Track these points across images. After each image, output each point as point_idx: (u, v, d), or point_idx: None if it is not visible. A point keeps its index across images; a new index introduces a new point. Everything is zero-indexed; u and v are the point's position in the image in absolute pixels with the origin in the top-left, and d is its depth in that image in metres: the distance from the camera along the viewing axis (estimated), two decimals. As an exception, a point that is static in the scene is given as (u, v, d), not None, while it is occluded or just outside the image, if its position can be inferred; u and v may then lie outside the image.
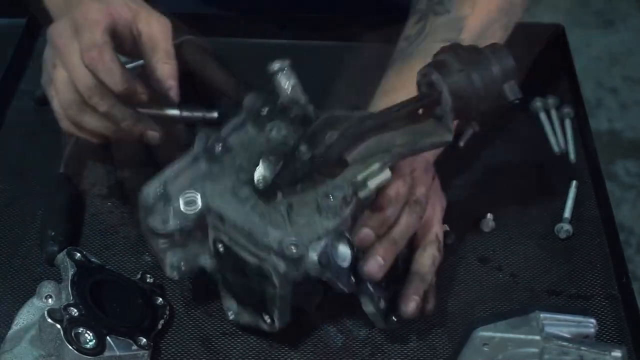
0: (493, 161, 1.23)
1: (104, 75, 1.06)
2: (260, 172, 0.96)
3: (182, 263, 1.00)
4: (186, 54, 1.25)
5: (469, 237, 1.14)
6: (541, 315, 0.98)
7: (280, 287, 0.95)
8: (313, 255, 0.93)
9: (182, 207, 0.98)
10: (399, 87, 1.11)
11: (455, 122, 0.99)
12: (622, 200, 2.56)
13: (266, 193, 0.96)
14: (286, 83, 1.01)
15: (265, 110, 1.01)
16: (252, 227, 0.95)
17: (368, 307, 1.00)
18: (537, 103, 1.30)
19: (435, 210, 1.07)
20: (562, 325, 0.98)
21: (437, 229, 1.06)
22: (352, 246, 0.97)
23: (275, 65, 1.01)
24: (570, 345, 0.95)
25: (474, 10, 1.14)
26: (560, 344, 0.95)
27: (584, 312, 1.01)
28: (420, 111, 0.99)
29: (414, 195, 1.02)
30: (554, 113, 1.30)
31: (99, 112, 1.09)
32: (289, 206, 0.96)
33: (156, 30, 1.13)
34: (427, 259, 1.04)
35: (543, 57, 1.38)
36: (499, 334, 0.97)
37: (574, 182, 1.20)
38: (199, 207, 0.97)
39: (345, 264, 0.96)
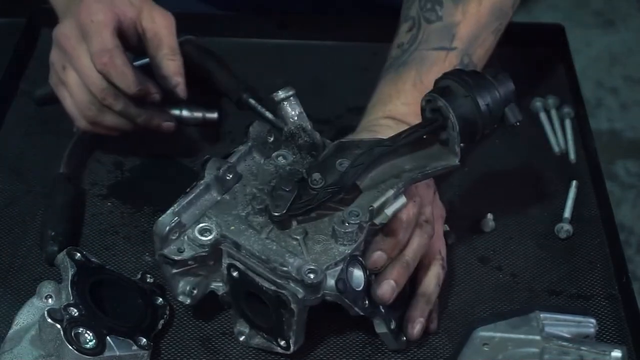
0: (493, 161, 1.23)
1: (116, 79, 1.09)
2: (275, 203, 0.98)
3: (194, 289, 1.01)
4: (186, 53, 1.25)
5: (469, 237, 1.14)
6: (541, 315, 0.97)
7: (297, 313, 0.96)
8: (331, 281, 0.95)
9: (197, 235, 0.98)
10: (394, 96, 1.12)
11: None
12: (622, 200, 2.56)
13: (281, 221, 0.98)
14: (292, 112, 1.03)
15: (271, 139, 1.03)
16: (270, 255, 0.96)
17: (381, 329, 1.01)
18: (537, 103, 1.30)
19: (438, 225, 1.08)
20: (562, 325, 0.98)
21: (439, 244, 1.07)
22: (365, 270, 0.98)
23: (280, 94, 1.03)
24: (571, 345, 0.95)
25: (465, 16, 1.14)
26: (560, 344, 0.95)
27: (584, 312, 1.01)
28: (425, 136, 1.01)
29: (423, 215, 1.03)
30: (554, 113, 1.30)
31: (114, 111, 1.12)
32: (305, 233, 0.97)
33: (160, 26, 1.13)
34: (432, 278, 1.04)
35: (543, 57, 1.38)
36: (499, 334, 0.97)
37: (574, 182, 1.20)
38: (214, 236, 0.98)
39: (360, 288, 0.98)
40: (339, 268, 0.96)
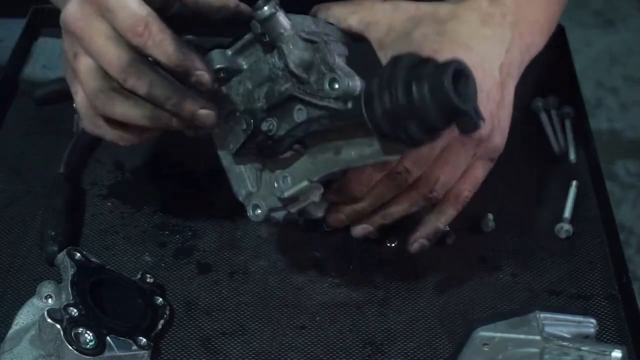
0: (493, 161, 1.23)
1: (154, 49, 0.94)
2: (228, 139, 0.99)
3: None
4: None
5: (469, 237, 1.14)
6: (541, 315, 0.97)
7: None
8: (278, 217, 1.00)
9: None
10: None
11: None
12: (622, 200, 2.57)
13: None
14: (279, 30, 0.94)
15: (267, 37, 0.96)
16: (230, 175, 1.01)
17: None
18: (537, 103, 1.30)
19: (456, 157, 1.01)
20: (562, 325, 0.98)
21: (449, 175, 1.02)
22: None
23: (265, 11, 0.93)
24: (571, 345, 0.95)
25: None
26: (560, 344, 0.95)
27: (584, 312, 1.01)
28: None
29: (399, 166, 0.98)
30: (554, 113, 1.30)
31: (137, 95, 0.95)
32: (262, 167, 0.98)
33: None
34: (400, 208, 1.04)
35: (543, 57, 1.38)
36: (499, 334, 0.97)
37: (574, 182, 1.20)
38: None
39: (320, 216, 1.03)
40: (284, 212, 0.98)
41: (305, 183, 0.95)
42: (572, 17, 3.18)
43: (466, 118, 0.85)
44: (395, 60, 0.87)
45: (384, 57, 1.00)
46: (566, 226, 1.15)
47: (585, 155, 1.25)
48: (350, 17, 1.02)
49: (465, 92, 0.85)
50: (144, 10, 0.93)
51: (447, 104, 0.83)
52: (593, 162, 1.23)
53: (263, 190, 0.99)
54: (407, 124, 0.85)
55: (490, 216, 1.15)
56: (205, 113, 0.97)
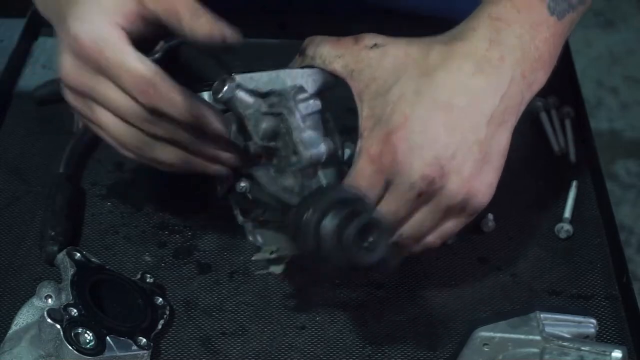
0: (493, 161, 1.23)
1: (166, 109, 0.92)
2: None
3: None
4: (185, 54, 1.25)
5: (469, 237, 1.14)
6: (541, 315, 0.97)
7: None
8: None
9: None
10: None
11: None
12: (622, 200, 2.57)
13: None
14: (243, 109, 0.95)
15: None
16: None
17: None
18: (537, 103, 1.30)
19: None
20: (562, 325, 0.98)
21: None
22: None
23: (224, 95, 0.93)
24: (571, 345, 0.95)
25: None
26: (560, 344, 0.95)
27: (584, 312, 1.01)
28: None
29: None
30: (554, 113, 1.30)
31: (164, 139, 0.95)
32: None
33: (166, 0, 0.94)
34: None
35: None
36: (499, 334, 0.97)
37: (574, 182, 1.20)
38: None
39: None
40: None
41: (267, 255, 0.99)
42: (572, 17, 3.18)
43: (376, 266, 0.87)
44: (314, 198, 0.88)
45: (361, 110, 0.97)
46: (566, 226, 1.15)
47: (585, 155, 1.25)
48: (335, 61, 0.98)
49: (374, 242, 0.86)
50: (149, 71, 0.91)
51: (351, 260, 0.86)
52: (593, 162, 1.23)
53: (264, 238, 1.01)
54: (324, 263, 0.88)
55: (490, 216, 1.15)
56: (227, 156, 0.97)
